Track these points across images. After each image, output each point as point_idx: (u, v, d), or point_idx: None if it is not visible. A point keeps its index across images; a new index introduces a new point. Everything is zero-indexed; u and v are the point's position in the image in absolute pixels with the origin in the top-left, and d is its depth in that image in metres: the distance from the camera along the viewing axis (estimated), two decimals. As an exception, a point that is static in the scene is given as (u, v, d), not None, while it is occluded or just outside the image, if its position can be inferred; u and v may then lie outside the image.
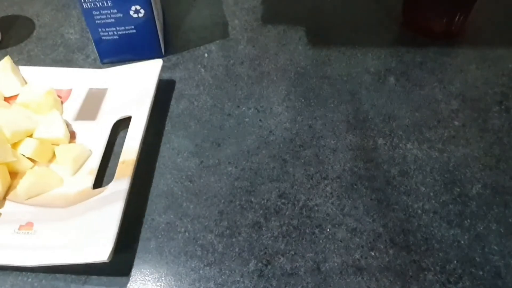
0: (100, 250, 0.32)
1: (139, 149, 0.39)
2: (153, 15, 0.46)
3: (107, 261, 0.32)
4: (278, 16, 0.56)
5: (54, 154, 0.40)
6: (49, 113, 0.42)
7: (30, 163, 0.39)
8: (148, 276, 0.34)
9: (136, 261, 0.35)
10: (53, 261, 0.32)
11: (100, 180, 0.39)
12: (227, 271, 0.34)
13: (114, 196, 0.36)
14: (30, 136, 0.41)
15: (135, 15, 0.45)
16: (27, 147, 0.39)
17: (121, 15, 0.45)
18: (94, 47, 0.49)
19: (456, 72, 0.48)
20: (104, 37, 0.47)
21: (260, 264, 0.34)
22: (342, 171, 0.40)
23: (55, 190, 0.38)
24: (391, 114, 0.45)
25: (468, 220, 0.37)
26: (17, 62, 0.51)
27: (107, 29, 0.46)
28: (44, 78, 0.46)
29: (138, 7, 0.45)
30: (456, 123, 0.44)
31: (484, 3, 0.51)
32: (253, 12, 0.56)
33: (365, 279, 0.34)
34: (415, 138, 0.42)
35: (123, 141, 0.41)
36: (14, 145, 0.39)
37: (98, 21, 0.45)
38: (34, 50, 0.52)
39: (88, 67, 0.50)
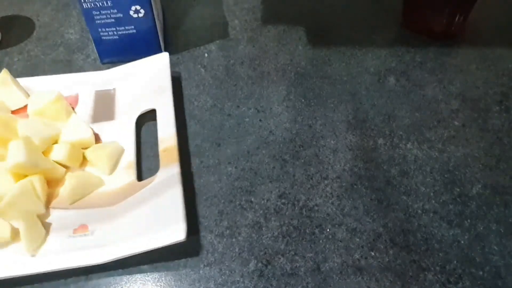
0: (174, 231, 0.33)
1: (176, 136, 0.40)
2: (153, 15, 0.46)
3: (184, 240, 0.33)
4: (278, 16, 0.56)
5: (84, 158, 0.40)
6: (68, 118, 0.42)
7: (63, 169, 0.39)
8: (148, 276, 0.34)
9: (135, 260, 0.35)
10: (130, 251, 0.33)
11: (139, 173, 0.40)
12: (227, 271, 0.34)
13: (169, 181, 0.37)
14: (56, 142, 0.40)
15: (135, 15, 0.45)
16: (59, 153, 0.39)
17: (121, 15, 0.45)
18: (94, 47, 0.49)
19: (456, 72, 0.48)
20: (104, 37, 0.47)
21: (260, 264, 0.34)
22: (342, 171, 0.40)
23: (98, 190, 0.38)
24: (391, 114, 0.45)
25: (468, 220, 0.37)
26: (17, 62, 0.51)
27: (107, 29, 0.46)
28: (46, 87, 0.46)
29: (138, 7, 0.45)
30: (456, 123, 0.44)
31: (484, 3, 0.51)
32: (253, 12, 0.56)
33: (365, 279, 0.34)
34: (415, 138, 0.42)
35: (146, 134, 0.43)
36: (44, 153, 0.39)
37: (98, 21, 0.45)
38: (34, 50, 0.52)
39: (88, 67, 0.50)
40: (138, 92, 0.45)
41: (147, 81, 0.45)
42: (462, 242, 0.36)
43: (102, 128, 0.43)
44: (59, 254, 0.33)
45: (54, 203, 0.37)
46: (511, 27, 0.53)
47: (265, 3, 0.57)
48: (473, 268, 0.34)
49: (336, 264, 0.34)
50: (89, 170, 0.40)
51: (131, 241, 0.33)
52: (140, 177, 0.39)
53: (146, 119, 0.44)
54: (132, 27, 0.46)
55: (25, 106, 0.44)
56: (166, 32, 0.54)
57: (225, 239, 0.36)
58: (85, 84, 0.46)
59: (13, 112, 0.44)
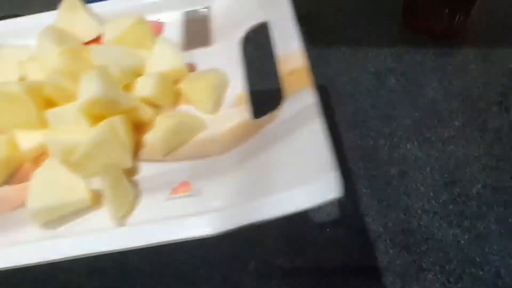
0: (324, 186, 0.23)
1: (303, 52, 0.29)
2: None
3: (339, 198, 0.22)
4: (278, 16, 0.56)
5: (177, 93, 0.31)
6: (153, 44, 0.33)
7: (151, 109, 0.30)
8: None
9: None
10: (257, 216, 0.23)
11: (253, 109, 0.30)
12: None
13: (303, 115, 0.26)
14: (140, 75, 0.31)
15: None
16: (145, 87, 0.30)
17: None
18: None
19: (456, 72, 0.48)
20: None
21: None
22: (342, 171, 0.40)
23: (199, 136, 0.29)
24: (391, 114, 0.45)
25: (468, 220, 0.37)
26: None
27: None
28: (122, 12, 0.37)
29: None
30: (456, 123, 0.44)
31: (484, 3, 0.51)
32: (253, 12, 0.56)
33: (365, 279, 0.34)
34: (415, 138, 0.42)
35: (252, 57, 0.34)
36: (126, 89, 0.30)
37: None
38: (34, 50, 0.52)
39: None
40: (239, 6, 0.35)
41: None
42: (462, 242, 0.36)
43: (197, 56, 0.34)
44: (155, 222, 0.25)
45: (142, 154, 0.28)
46: (511, 27, 0.53)
47: (265, 3, 0.57)
48: (473, 268, 0.34)
49: (336, 264, 0.34)
50: (185, 109, 0.30)
51: (256, 202, 0.23)
52: (255, 114, 0.29)
53: (249, 38, 0.34)
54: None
55: (99, 37, 0.36)
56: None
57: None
58: (170, 5, 0.38)
59: (85, 44, 0.36)
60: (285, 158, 0.25)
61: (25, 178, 0.29)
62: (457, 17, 0.49)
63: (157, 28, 0.36)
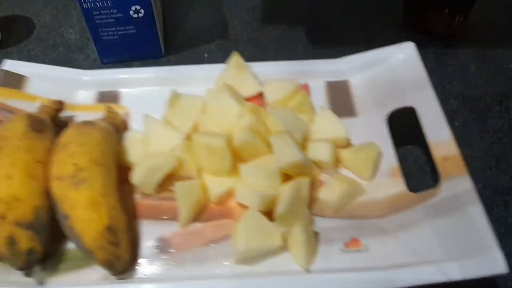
0: (488, 260, 0.27)
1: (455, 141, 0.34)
2: (153, 15, 0.46)
3: (505, 273, 0.27)
4: (278, 16, 0.56)
5: (338, 159, 0.36)
6: (313, 111, 0.38)
7: (318, 170, 0.35)
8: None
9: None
10: (421, 279, 0.27)
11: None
12: None
13: (461, 198, 0.31)
14: (306, 140, 0.36)
15: (135, 15, 0.45)
16: (320, 153, 0.34)
17: (121, 15, 0.45)
18: (94, 47, 0.48)
19: (456, 72, 0.48)
20: (104, 37, 0.47)
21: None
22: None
23: (360, 199, 0.34)
24: (391, 114, 0.45)
25: (468, 220, 0.37)
26: (17, 62, 0.51)
27: (107, 29, 0.46)
28: (271, 73, 0.41)
29: (138, 7, 0.45)
30: (456, 123, 0.44)
31: (484, 3, 0.51)
32: (253, 12, 0.56)
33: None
34: (415, 138, 0.42)
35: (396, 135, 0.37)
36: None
37: (98, 21, 0.45)
38: (34, 50, 0.52)
39: (88, 67, 0.50)
40: (383, 86, 0.40)
41: (392, 74, 0.40)
42: (462, 242, 0.36)
43: (345, 124, 0.38)
44: (335, 271, 0.29)
45: (314, 209, 0.33)
46: (511, 27, 0.53)
47: (265, 3, 0.57)
48: (473, 268, 0.34)
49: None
50: (344, 173, 0.35)
51: (420, 267, 0.28)
52: (410, 187, 0.34)
53: (392, 116, 0.38)
54: (132, 27, 0.46)
55: (258, 95, 0.40)
56: (166, 32, 0.54)
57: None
58: (313, 73, 0.42)
59: (246, 99, 0.40)
60: (448, 232, 0.30)
61: (211, 217, 0.33)
62: (457, 17, 0.49)
63: (304, 90, 0.41)
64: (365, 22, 0.54)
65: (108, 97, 0.42)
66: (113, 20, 0.45)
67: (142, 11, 0.45)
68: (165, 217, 0.33)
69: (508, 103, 0.45)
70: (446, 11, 0.49)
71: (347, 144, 0.37)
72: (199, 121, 0.38)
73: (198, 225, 0.33)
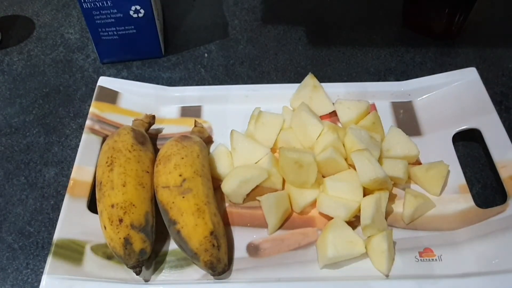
0: None
1: None
2: (153, 15, 0.46)
3: None
4: (278, 16, 0.56)
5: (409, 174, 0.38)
6: (382, 130, 0.41)
7: (392, 185, 0.37)
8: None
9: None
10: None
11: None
12: None
13: None
14: (380, 158, 0.38)
15: (135, 15, 0.45)
16: (396, 170, 0.37)
17: (121, 15, 0.45)
18: (94, 47, 0.49)
19: (456, 72, 0.48)
20: (104, 37, 0.47)
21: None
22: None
23: (430, 212, 0.36)
24: (391, 114, 0.45)
25: (469, 220, 0.37)
26: (17, 62, 0.51)
27: (107, 29, 0.46)
28: (344, 94, 0.44)
29: (138, 7, 0.45)
30: (456, 123, 0.44)
31: (484, 3, 0.51)
32: (253, 12, 0.56)
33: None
34: (415, 138, 0.42)
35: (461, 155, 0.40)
36: None
37: (98, 21, 0.45)
38: (34, 50, 0.52)
39: (88, 67, 0.50)
40: (447, 108, 0.42)
41: (456, 97, 0.42)
42: (463, 242, 0.36)
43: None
44: (410, 278, 0.32)
45: (389, 220, 0.36)
46: (511, 27, 0.53)
47: (265, 3, 0.57)
48: (473, 268, 0.34)
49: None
50: (414, 188, 0.38)
51: (492, 276, 0.31)
52: (477, 203, 0.37)
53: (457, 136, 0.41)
54: (132, 27, 0.46)
55: (330, 113, 0.43)
56: (166, 32, 0.54)
57: None
58: (379, 94, 0.44)
59: (320, 117, 0.42)
60: (506, 245, 0.32)
61: (295, 226, 0.36)
62: (457, 17, 0.49)
63: (372, 109, 0.43)
64: (365, 22, 0.54)
65: (190, 112, 0.44)
66: (113, 20, 0.46)
67: (142, 11, 0.45)
68: (249, 224, 0.36)
69: (508, 103, 0.45)
70: (446, 11, 0.49)
71: (416, 162, 0.39)
72: (279, 136, 0.40)
73: (283, 232, 0.36)
